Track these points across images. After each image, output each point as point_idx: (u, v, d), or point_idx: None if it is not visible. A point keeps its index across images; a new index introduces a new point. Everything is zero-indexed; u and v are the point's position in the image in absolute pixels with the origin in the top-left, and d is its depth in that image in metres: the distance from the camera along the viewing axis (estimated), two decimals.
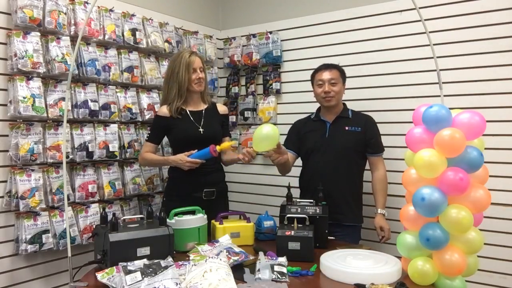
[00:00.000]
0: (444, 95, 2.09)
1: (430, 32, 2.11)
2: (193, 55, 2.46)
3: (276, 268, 1.74)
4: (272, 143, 2.17)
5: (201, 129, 2.45)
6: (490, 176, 1.83)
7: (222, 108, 2.64)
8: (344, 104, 2.59)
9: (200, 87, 2.47)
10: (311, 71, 3.08)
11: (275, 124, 3.28)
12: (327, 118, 2.55)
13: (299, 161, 2.69)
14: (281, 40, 3.23)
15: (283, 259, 1.85)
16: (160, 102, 2.60)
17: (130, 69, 2.76)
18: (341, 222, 2.43)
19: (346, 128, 2.50)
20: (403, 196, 1.93)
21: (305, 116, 2.73)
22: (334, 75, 2.47)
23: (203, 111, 2.52)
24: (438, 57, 2.12)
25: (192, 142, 2.41)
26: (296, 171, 2.68)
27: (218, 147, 2.31)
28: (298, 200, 2.29)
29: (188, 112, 2.48)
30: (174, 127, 2.44)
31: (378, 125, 2.55)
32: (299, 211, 2.15)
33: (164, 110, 2.46)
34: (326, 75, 2.47)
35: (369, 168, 2.58)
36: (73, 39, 2.44)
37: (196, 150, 2.35)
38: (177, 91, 2.44)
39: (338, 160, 2.46)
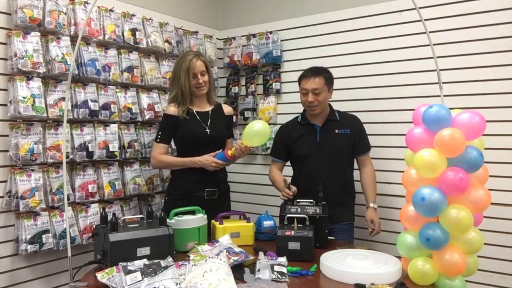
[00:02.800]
0: (444, 95, 2.09)
1: (430, 32, 2.11)
2: (195, 59, 2.43)
3: (276, 268, 1.74)
4: (263, 139, 2.36)
5: (207, 130, 2.46)
6: (490, 176, 1.83)
7: (227, 109, 2.65)
8: (330, 105, 2.58)
9: (201, 91, 2.47)
10: None
11: (275, 124, 3.29)
12: (315, 121, 2.54)
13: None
14: (281, 40, 3.23)
15: (283, 259, 1.85)
16: (168, 102, 2.58)
17: (130, 69, 2.76)
18: (336, 222, 2.45)
19: (336, 131, 2.51)
20: (403, 196, 1.93)
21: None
22: (318, 85, 2.43)
23: (210, 112, 2.52)
24: (438, 57, 2.12)
25: (199, 142, 2.42)
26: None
27: (229, 152, 2.35)
28: (298, 200, 2.29)
29: (195, 113, 2.48)
30: (182, 127, 2.44)
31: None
32: (299, 211, 2.15)
33: (172, 109, 2.45)
34: (310, 84, 2.44)
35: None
36: (73, 39, 2.44)
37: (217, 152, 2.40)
38: (180, 95, 2.45)
39: (331, 164, 2.47)
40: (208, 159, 2.37)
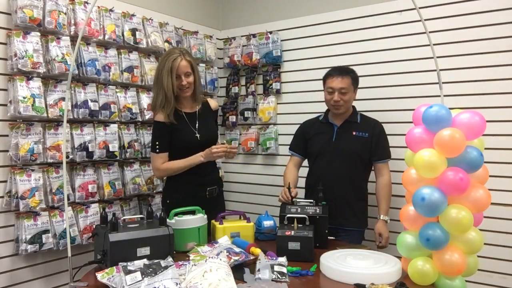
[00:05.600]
0: (444, 95, 2.09)
1: (430, 32, 2.11)
2: (179, 58, 2.27)
3: (276, 268, 1.74)
4: None
5: (197, 135, 2.37)
6: (490, 176, 1.83)
7: (214, 104, 2.57)
8: (353, 107, 2.57)
9: (184, 93, 2.34)
10: (311, 71, 3.09)
11: (275, 124, 3.30)
12: (335, 121, 2.53)
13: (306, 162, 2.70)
14: (281, 40, 3.23)
15: (283, 259, 1.85)
16: (151, 105, 2.43)
17: (130, 69, 2.76)
18: (344, 226, 2.44)
19: (354, 133, 2.48)
20: (403, 196, 1.93)
21: (309, 116, 2.73)
22: (345, 84, 2.40)
23: (197, 113, 2.43)
24: (438, 57, 2.12)
25: (189, 149, 2.34)
26: (302, 171, 2.68)
27: (252, 250, 1.97)
28: (298, 200, 2.29)
29: (184, 115, 2.38)
30: (173, 133, 2.33)
31: None
32: (299, 211, 2.15)
33: (161, 116, 2.31)
34: (337, 83, 2.40)
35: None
36: (73, 39, 2.44)
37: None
38: (163, 98, 2.29)
39: (344, 165, 2.45)
40: (208, 151, 2.28)
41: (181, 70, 2.29)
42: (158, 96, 2.31)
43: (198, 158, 2.32)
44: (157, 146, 2.33)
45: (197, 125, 2.40)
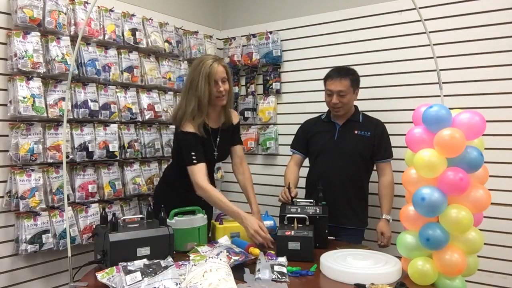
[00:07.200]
0: (444, 95, 2.09)
1: (430, 32, 2.11)
2: (216, 63, 2.17)
3: (276, 268, 1.74)
4: None
5: (215, 153, 2.32)
6: (490, 176, 1.83)
7: (236, 118, 2.46)
8: (355, 107, 2.57)
9: (222, 101, 2.23)
10: (311, 71, 3.09)
11: (274, 124, 3.29)
12: (337, 120, 2.54)
13: (307, 161, 2.70)
14: (281, 40, 3.23)
15: (283, 259, 1.85)
16: (178, 114, 2.24)
17: (130, 69, 2.76)
18: (345, 225, 2.45)
19: (356, 132, 2.49)
20: (403, 196, 1.93)
21: (309, 116, 2.73)
22: (344, 87, 2.40)
23: (219, 130, 2.33)
24: (438, 57, 2.12)
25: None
26: (302, 171, 2.68)
27: (251, 250, 1.96)
28: (298, 200, 2.29)
29: (209, 129, 2.26)
30: None
31: None
32: (299, 211, 2.15)
33: (191, 127, 2.17)
34: (335, 86, 2.40)
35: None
36: (73, 39, 2.44)
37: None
38: (196, 106, 2.17)
39: (345, 164, 2.46)
40: (254, 230, 2.04)
41: (219, 76, 2.18)
42: (189, 104, 2.18)
43: (237, 217, 2.10)
44: (194, 157, 2.14)
45: (218, 142, 2.34)
